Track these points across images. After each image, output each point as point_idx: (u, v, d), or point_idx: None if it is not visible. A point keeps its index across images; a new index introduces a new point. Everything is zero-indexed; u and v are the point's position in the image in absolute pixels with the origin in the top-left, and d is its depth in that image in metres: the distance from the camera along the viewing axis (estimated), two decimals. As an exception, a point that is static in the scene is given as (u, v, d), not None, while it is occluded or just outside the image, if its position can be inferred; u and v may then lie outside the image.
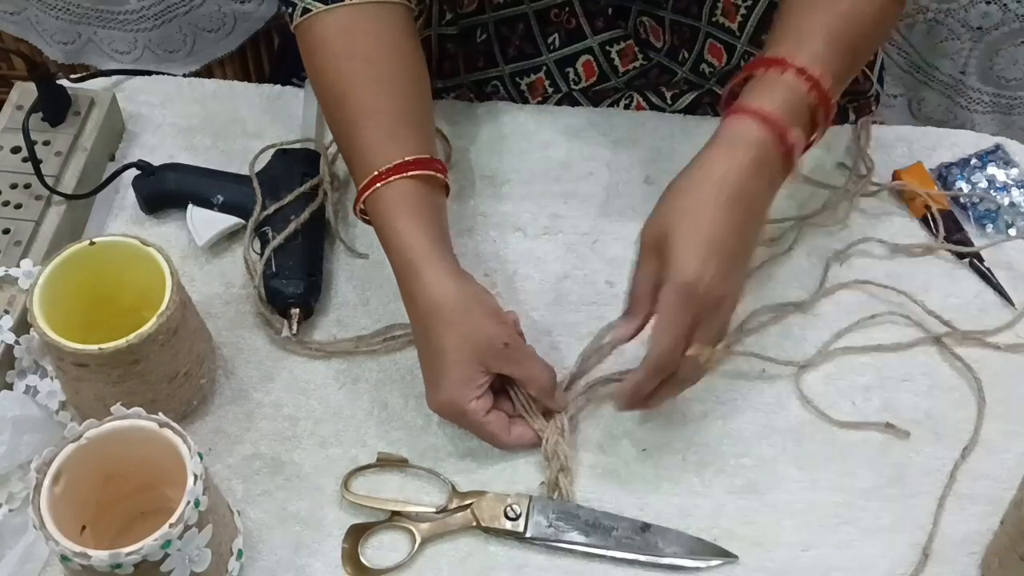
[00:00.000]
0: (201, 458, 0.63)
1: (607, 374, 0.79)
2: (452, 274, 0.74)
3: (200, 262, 0.87)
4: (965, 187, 0.93)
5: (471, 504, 0.74)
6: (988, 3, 1.09)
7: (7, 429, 0.72)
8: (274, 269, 0.83)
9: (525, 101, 0.99)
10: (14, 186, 0.87)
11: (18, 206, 0.86)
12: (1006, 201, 0.92)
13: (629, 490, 0.76)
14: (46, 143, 0.89)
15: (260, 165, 0.90)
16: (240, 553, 0.70)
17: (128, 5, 1.21)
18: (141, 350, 0.70)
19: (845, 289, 0.87)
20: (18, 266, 0.81)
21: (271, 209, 0.86)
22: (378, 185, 0.76)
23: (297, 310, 0.82)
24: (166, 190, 0.89)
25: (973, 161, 0.94)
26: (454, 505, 0.74)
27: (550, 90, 0.98)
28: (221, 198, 0.87)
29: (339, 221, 0.89)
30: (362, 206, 0.78)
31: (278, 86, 0.99)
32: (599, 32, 0.94)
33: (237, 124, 0.96)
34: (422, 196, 0.76)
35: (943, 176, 0.94)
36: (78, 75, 0.98)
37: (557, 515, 0.74)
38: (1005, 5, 1.09)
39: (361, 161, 0.78)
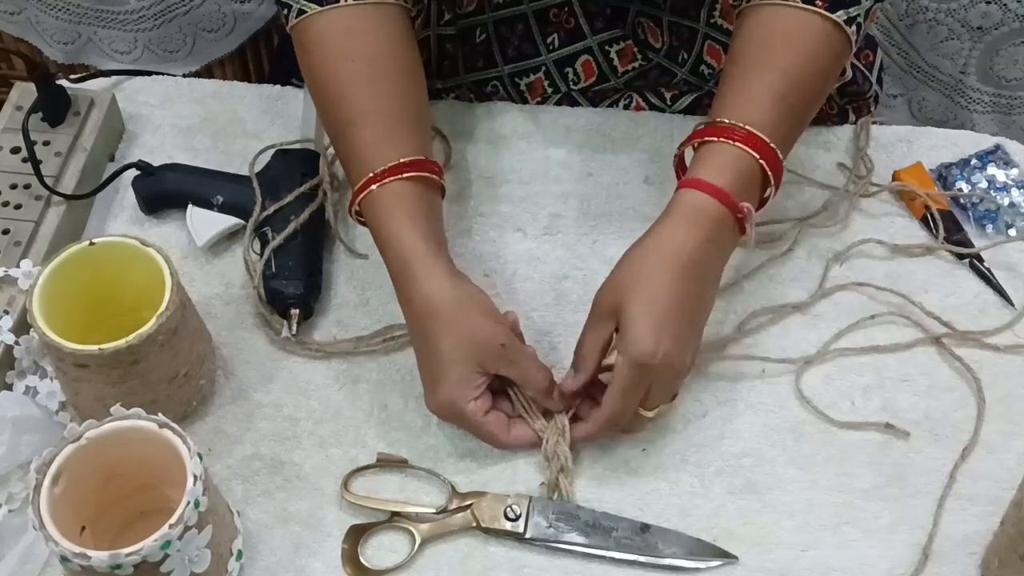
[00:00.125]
0: (201, 458, 0.63)
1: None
2: (448, 275, 0.74)
3: (200, 262, 0.87)
4: (965, 187, 0.93)
5: (471, 505, 0.74)
6: (988, 3, 1.09)
7: (7, 429, 0.72)
8: (274, 269, 0.83)
9: (524, 101, 0.99)
10: (14, 186, 0.87)
11: (18, 206, 0.86)
12: (1006, 201, 0.92)
13: (629, 490, 0.76)
14: (46, 143, 0.89)
15: (260, 165, 0.90)
16: (240, 554, 0.70)
17: (128, 5, 1.21)
18: (141, 350, 0.70)
19: (845, 289, 0.87)
20: (18, 266, 0.81)
21: (271, 209, 0.86)
22: (373, 187, 0.76)
23: (297, 310, 0.82)
24: (166, 190, 0.89)
25: (973, 161, 0.94)
26: (454, 506, 0.74)
27: (549, 90, 0.98)
28: (221, 198, 0.87)
29: (339, 221, 0.89)
30: (357, 207, 0.78)
31: (278, 86, 1.00)
32: (598, 32, 0.94)
33: (237, 124, 0.96)
34: (417, 197, 0.77)
35: (943, 176, 0.94)
36: (78, 75, 0.98)
37: (557, 516, 0.74)
38: (1005, 5, 1.09)
39: (356, 162, 0.78)
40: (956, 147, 0.96)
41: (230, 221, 0.87)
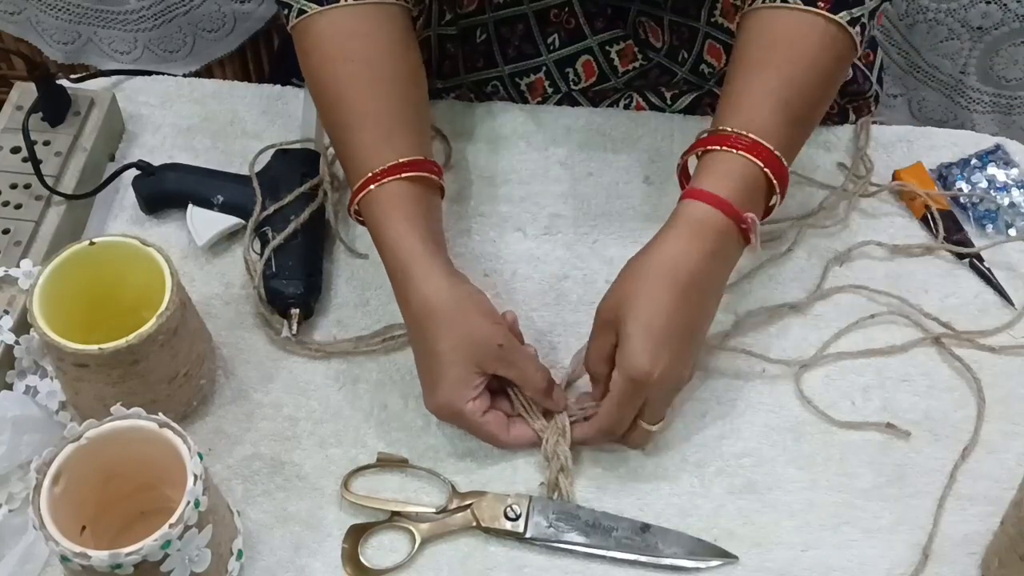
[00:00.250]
0: (201, 458, 0.63)
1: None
2: (445, 275, 0.74)
3: (200, 262, 0.87)
4: (965, 187, 0.93)
5: (471, 504, 0.74)
6: (988, 3, 1.09)
7: (7, 429, 0.72)
8: (274, 269, 0.83)
9: (525, 101, 0.99)
10: (14, 186, 0.87)
11: (18, 206, 0.86)
12: (1006, 201, 0.92)
13: (629, 490, 0.76)
14: (46, 143, 0.89)
15: (260, 165, 0.90)
16: (240, 553, 0.70)
17: (128, 5, 1.21)
18: (141, 350, 0.70)
19: (845, 289, 0.87)
20: (18, 266, 0.81)
21: (271, 209, 0.86)
22: (372, 187, 0.76)
23: (297, 310, 0.82)
24: (166, 190, 0.89)
25: (973, 161, 0.94)
26: (454, 505, 0.74)
27: (550, 90, 0.98)
28: (221, 198, 0.87)
29: (339, 221, 0.89)
30: (356, 207, 0.78)
31: (278, 86, 0.99)
32: (599, 32, 0.94)
33: (237, 124, 0.96)
34: (416, 197, 0.77)
35: (943, 176, 0.94)
36: (78, 75, 0.98)
37: (557, 515, 0.74)
38: (1005, 5, 1.09)
39: (356, 162, 0.78)
40: (956, 147, 0.96)
41: (230, 221, 0.87)
